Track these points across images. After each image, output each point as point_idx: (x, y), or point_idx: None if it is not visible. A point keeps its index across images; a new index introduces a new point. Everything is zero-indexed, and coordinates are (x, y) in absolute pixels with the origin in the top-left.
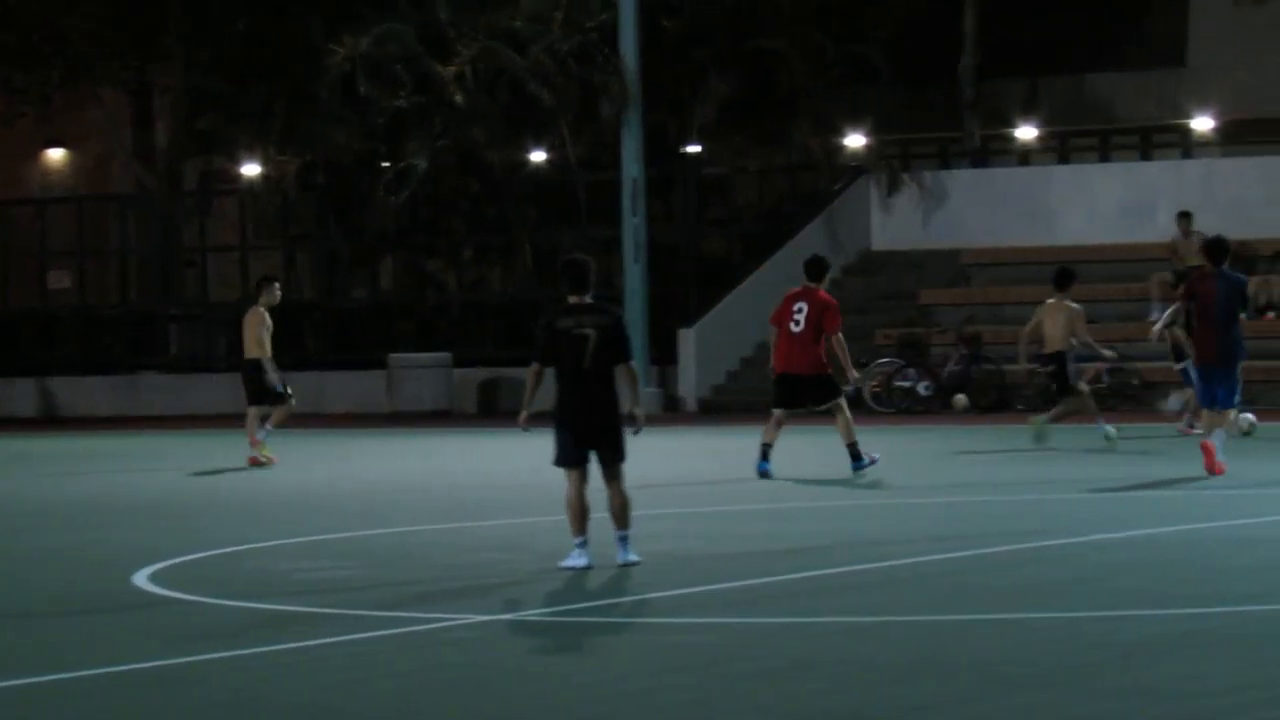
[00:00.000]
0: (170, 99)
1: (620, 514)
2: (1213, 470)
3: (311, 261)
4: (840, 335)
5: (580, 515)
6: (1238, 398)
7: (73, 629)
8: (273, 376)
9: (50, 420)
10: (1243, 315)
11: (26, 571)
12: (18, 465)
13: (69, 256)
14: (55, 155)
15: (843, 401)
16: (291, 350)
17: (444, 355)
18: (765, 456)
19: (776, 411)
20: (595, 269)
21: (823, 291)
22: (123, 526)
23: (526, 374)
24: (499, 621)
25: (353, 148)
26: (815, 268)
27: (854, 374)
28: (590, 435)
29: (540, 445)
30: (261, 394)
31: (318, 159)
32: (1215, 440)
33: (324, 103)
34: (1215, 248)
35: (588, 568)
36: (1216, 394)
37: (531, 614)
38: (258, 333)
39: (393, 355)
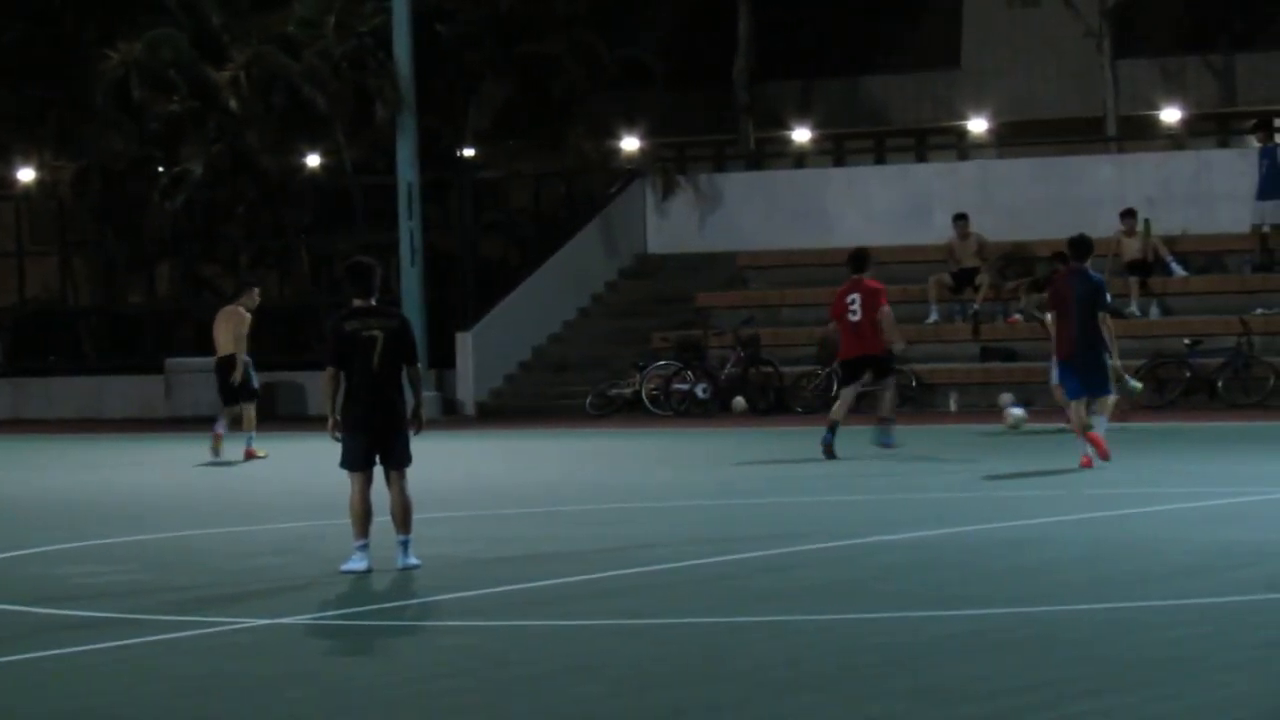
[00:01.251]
0: None
1: (403, 518)
2: (1105, 456)
3: (88, 267)
4: (887, 308)
5: (364, 518)
6: (1111, 385)
7: None
8: (247, 375)
9: None
10: (1102, 312)
11: None
12: None
13: None
14: None
15: (894, 380)
16: (69, 355)
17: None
18: (833, 431)
19: (847, 391)
20: (380, 272)
21: (869, 279)
22: None
23: (323, 379)
24: (278, 625)
25: (128, 153)
26: (859, 260)
27: (900, 343)
28: (380, 438)
29: (317, 449)
30: (234, 393)
31: (93, 164)
32: (1099, 427)
33: (99, 108)
34: (1078, 246)
35: (368, 570)
36: (1090, 383)
37: (311, 618)
38: (238, 331)
39: (170, 360)
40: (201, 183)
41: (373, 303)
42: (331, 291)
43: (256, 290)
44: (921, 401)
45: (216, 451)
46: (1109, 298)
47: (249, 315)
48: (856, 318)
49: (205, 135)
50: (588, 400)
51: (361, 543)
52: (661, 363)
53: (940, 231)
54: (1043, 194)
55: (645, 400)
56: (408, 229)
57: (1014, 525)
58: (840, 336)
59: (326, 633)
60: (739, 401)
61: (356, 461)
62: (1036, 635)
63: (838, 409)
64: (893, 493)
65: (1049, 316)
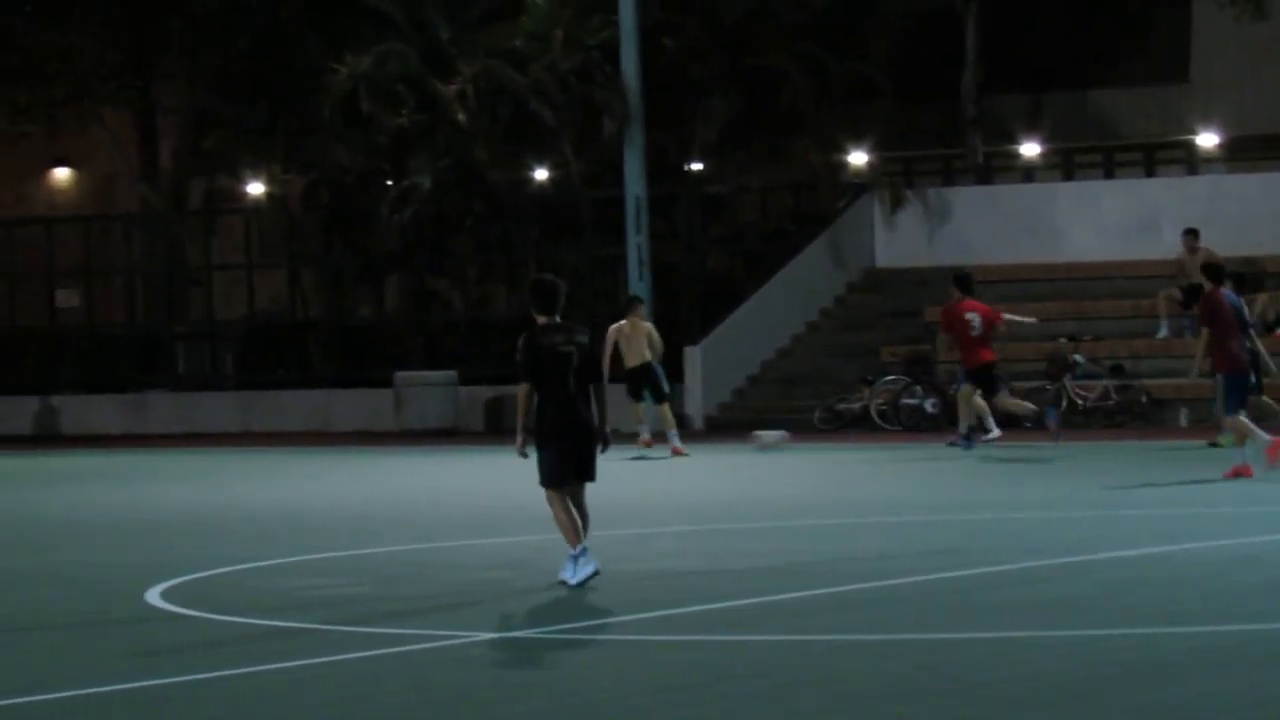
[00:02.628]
0: (175, 118)
1: (583, 528)
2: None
3: (317, 280)
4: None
5: (573, 526)
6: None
7: (83, 646)
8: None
9: (52, 438)
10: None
11: (37, 589)
12: (23, 483)
13: (76, 275)
14: (61, 174)
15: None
16: (298, 368)
17: (450, 374)
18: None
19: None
20: (565, 290)
21: (974, 301)
22: (133, 544)
23: (519, 394)
24: (499, 639)
25: (357, 167)
26: (967, 283)
27: None
28: (576, 454)
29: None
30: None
31: (322, 177)
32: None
33: (327, 122)
34: (1218, 270)
35: (596, 573)
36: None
37: (530, 632)
38: (652, 339)
39: (399, 373)
40: (430, 196)
41: (557, 320)
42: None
43: (642, 306)
44: (1152, 417)
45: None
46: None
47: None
48: (977, 331)
49: (433, 149)
50: (815, 415)
51: (579, 549)
52: (890, 377)
53: (1169, 246)
54: (1273, 209)
55: (874, 415)
56: (635, 243)
57: (1242, 542)
58: (961, 348)
59: (544, 646)
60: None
61: (555, 478)
62: (1270, 653)
63: (975, 415)
64: (1116, 508)
65: (1204, 332)
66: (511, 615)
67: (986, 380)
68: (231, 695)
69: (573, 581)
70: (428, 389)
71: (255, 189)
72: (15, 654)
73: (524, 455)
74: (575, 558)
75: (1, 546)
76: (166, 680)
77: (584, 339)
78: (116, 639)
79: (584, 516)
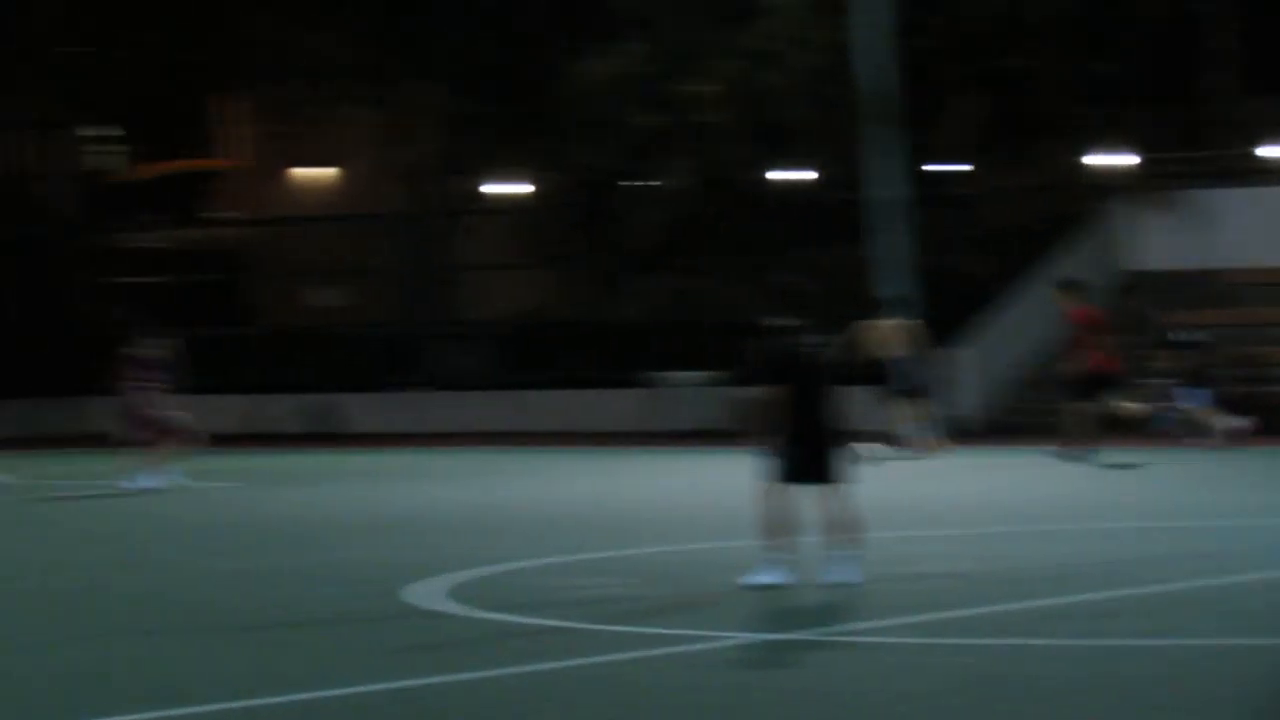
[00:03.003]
0: (430, 118)
1: (845, 529)
2: None
3: (573, 280)
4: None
5: (784, 530)
6: None
7: (350, 644)
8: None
9: (320, 437)
10: None
11: (306, 586)
12: (290, 481)
13: (337, 275)
14: (320, 174)
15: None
16: (557, 368)
17: (706, 374)
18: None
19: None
20: (810, 292)
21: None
22: (399, 542)
23: (761, 396)
24: (771, 640)
25: (609, 168)
26: (1078, 287)
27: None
28: (815, 456)
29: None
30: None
31: (577, 178)
32: None
33: (579, 122)
34: None
35: (782, 585)
36: None
37: (803, 634)
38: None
39: (656, 374)
40: (680, 197)
41: (801, 323)
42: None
43: (893, 307)
44: None
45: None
46: None
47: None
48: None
49: (682, 150)
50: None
51: (774, 556)
52: (1160, 381)
53: None
54: None
55: (1147, 418)
56: (884, 245)
57: None
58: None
59: (816, 648)
60: (1226, 420)
61: (784, 475)
62: None
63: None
64: None
65: None
66: (775, 617)
67: (1097, 387)
68: (498, 695)
69: (751, 581)
70: (685, 390)
71: (511, 190)
72: (283, 651)
73: (769, 454)
74: (770, 563)
75: (272, 544)
76: (429, 679)
77: (826, 342)
78: (382, 637)
79: (849, 519)
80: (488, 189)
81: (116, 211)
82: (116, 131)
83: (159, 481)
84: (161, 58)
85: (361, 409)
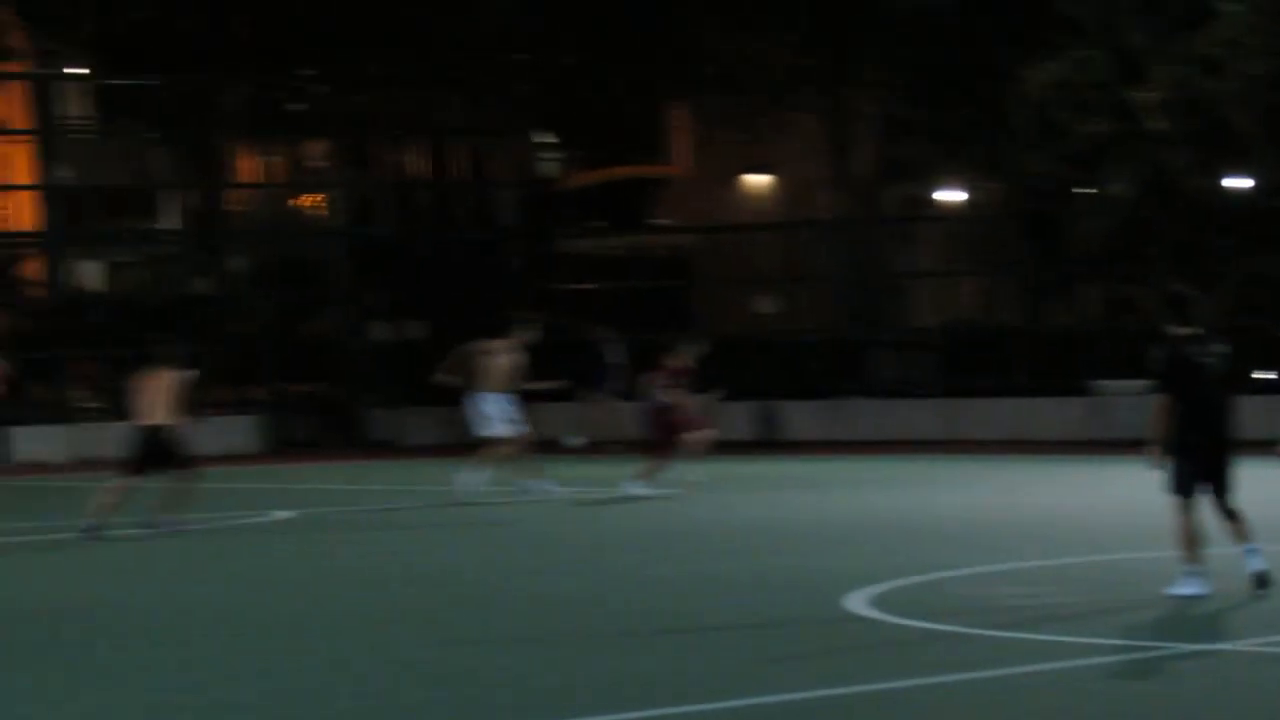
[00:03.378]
0: (869, 125)
1: (1244, 528)
2: None
3: (1013, 288)
4: None
5: (1195, 543)
6: None
7: (777, 650)
8: None
9: (763, 444)
10: None
11: (735, 592)
12: (732, 488)
13: (774, 282)
14: (758, 181)
15: None
16: (998, 375)
17: (1142, 383)
18: None
19: None
20: (1199, 301)
21: None
22: (833, 549)
23: (1155, 405)
24: (1209, 651)
25: (1051, 174)
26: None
27: None
28: (1209, 464)
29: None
30: None
31: (1017, 185)
32: None
33: (1021, 129)
34: None
35: (1202, 595)
36: None
37: (1226, 645)
38: None
39: (1096, 382)
40: (1125, 204)
41: (1199, 331)
42: (1257, 316)
43: None
44: None
45: None
46: None
47: None
48: None
49: (1128, 157)
50: None
51: (1192, 568)
52: None
53: None
54: None
55: None
56: None
57: None
58: None
59: (1242, 660)
60: None
61: (1185, 487)
62: None
63: None
64: None
65: None
66: (1206, 627)
67: None
68: (931, 702)
69: (1174, 592)
70: (1125, 398)
71: (951, 196)
72: (712, 655)
73: (1160, 468)
74: (1189, 575)
75: (704, 550)
76: (860, 688)
77: (1224, 349)
78: (812, 643)
79: (1237, 522)
80: (927, 196)
81: (561, 218)
82: (562, 138)
83: (651, 489)
84: (610, 66)
85: (800, 416)
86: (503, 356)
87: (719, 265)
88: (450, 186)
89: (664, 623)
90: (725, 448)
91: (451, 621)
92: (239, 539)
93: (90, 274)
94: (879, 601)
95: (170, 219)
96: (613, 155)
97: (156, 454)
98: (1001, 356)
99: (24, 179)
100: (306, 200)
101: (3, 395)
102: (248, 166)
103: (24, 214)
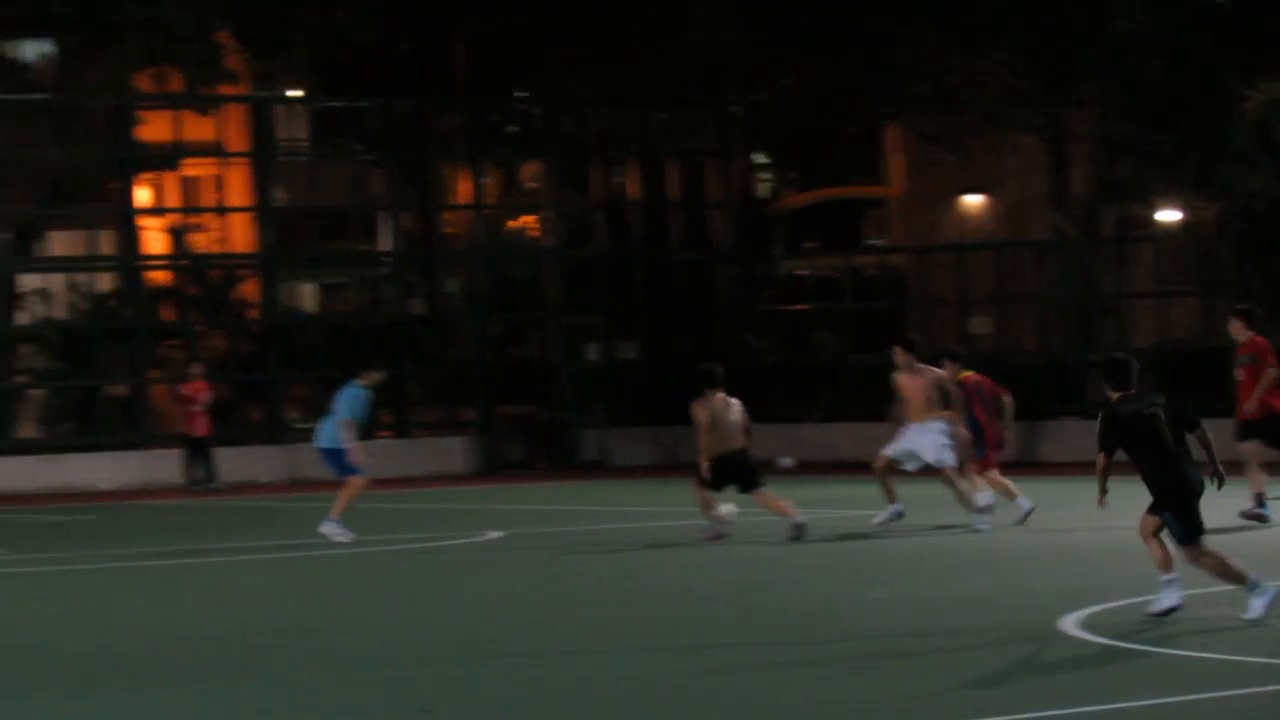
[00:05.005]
0: (1086, 145)
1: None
2: None
3: (1228, 308)
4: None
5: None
6: None
7: (991, 672)
8: None
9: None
10: None
11: (949, 614)
12: (945, 506)
13: (988, 302)
14: (973, 201)
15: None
16: (1216, 397)
17: None
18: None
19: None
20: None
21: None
22: (1042, 570)
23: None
24: None
25: (1270, 194)
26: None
27: None
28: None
29: None
30: None
31: (1235, 205)
32: None
33: (1240, 148)
34: None
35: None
36: None
37: None
38: None
39: None
40: None
41: (1133, 392)
42: None
43: None
44: None
45: None
46: None
47: None
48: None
49: None
50: None
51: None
52: None
53: None
54: None
55: None
56: None
57: None
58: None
59: None
60: None
61: (1192, 532)
62: None
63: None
64: None
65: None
66: None
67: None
68: None
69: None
70: None
71: (1167, 216)
72: (933, 676)
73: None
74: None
75: (917, 573)
76: (1080, 709)
77: (1162, 400)
78: (1029, 664)
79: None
80: (1144, 215)
81: (775, 238)
82: (776, 158)
83: None
84: (826, 85)
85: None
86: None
87: (932, 286)
88: (664, 207)
89: (885, 645)
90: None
91: (671, 642)
92: (453, 559)
93: (305, 296)
94: (1090, 623)
95: (385, 241)
96: (828, 175)
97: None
98: (1217, 377)
99: (241, 201)
100: (520, 221)
101: (199, 415)
102: (462, 188)
103: (240, 236)
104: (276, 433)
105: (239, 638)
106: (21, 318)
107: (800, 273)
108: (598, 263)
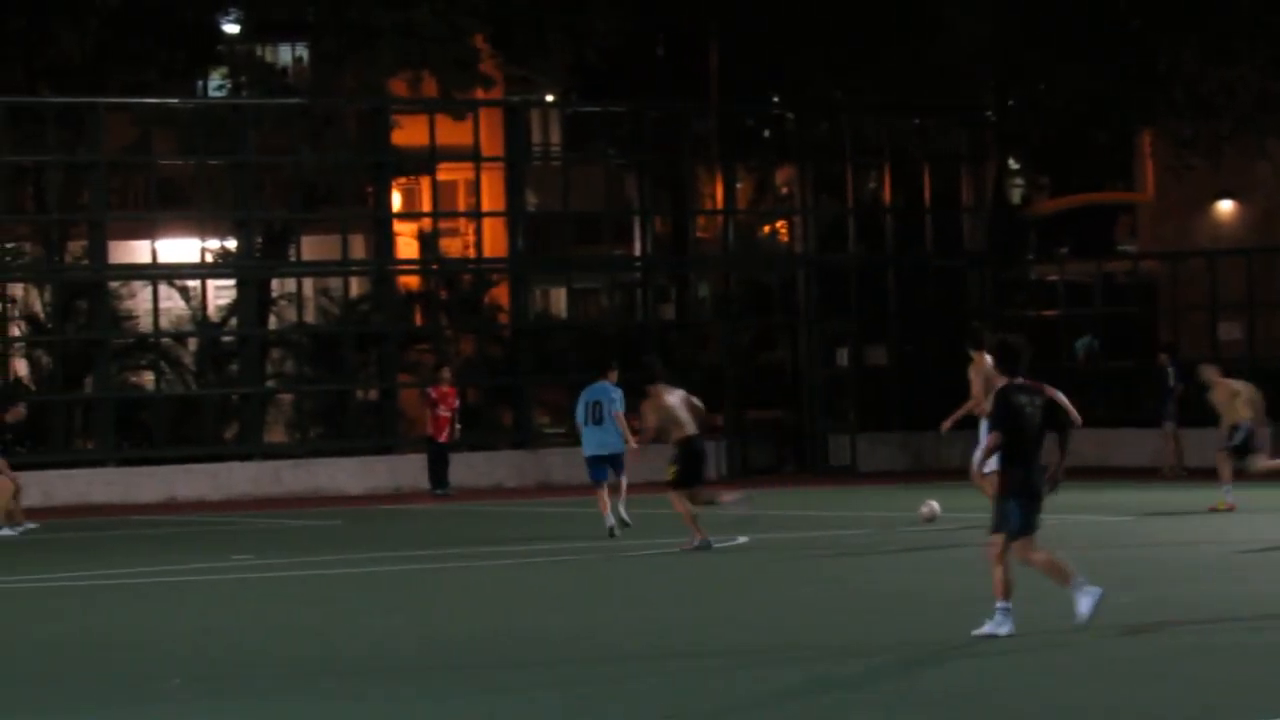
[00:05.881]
0: None
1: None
2: None
3: None
4: None
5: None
6: None
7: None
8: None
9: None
10: None
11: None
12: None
13: (1239, 308)
14: (1225, 207)
15: None
16: None
17: None
18: None
19: None
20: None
21: None
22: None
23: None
24: None
25: None
26: None
27: None
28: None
29: None
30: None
31: None
32: None
33: None
34: None
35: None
36: None
37: None
38: None
39: None
40: None
41: (1020, 380)
42: None
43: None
44: None
45: None
46: None
47: None
48: None
49: None
50: None
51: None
52: None
53: None
54: None
55: None
56: None
57: None
58: None
59: None
60: None
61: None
62: None
63: None
64: None
65: None
66: None
67: None
68: None
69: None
70: None
71: None
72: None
73: None
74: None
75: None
76: None
77: (1043, 399)
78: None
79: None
80: None
81: (1027, 244)
82: (1029, 164)
83: None
84: (1079, 91)
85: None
86: None
87: (1184, 291)
88: (917, 212)
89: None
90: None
91: (942, 643)
92: (702, 563)
93: (556, 300)
94: None
95: (636, 245)
96: (1080, 181)
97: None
98: None
99: (493, 206)
100: (772, 227)
101: (444, 420)
102: (715, 193)
103: (494, 240)
104: (525, 438)
105: (500, 639)
106: (273, 322)
107: (1051, 278)
108: (849, 268)
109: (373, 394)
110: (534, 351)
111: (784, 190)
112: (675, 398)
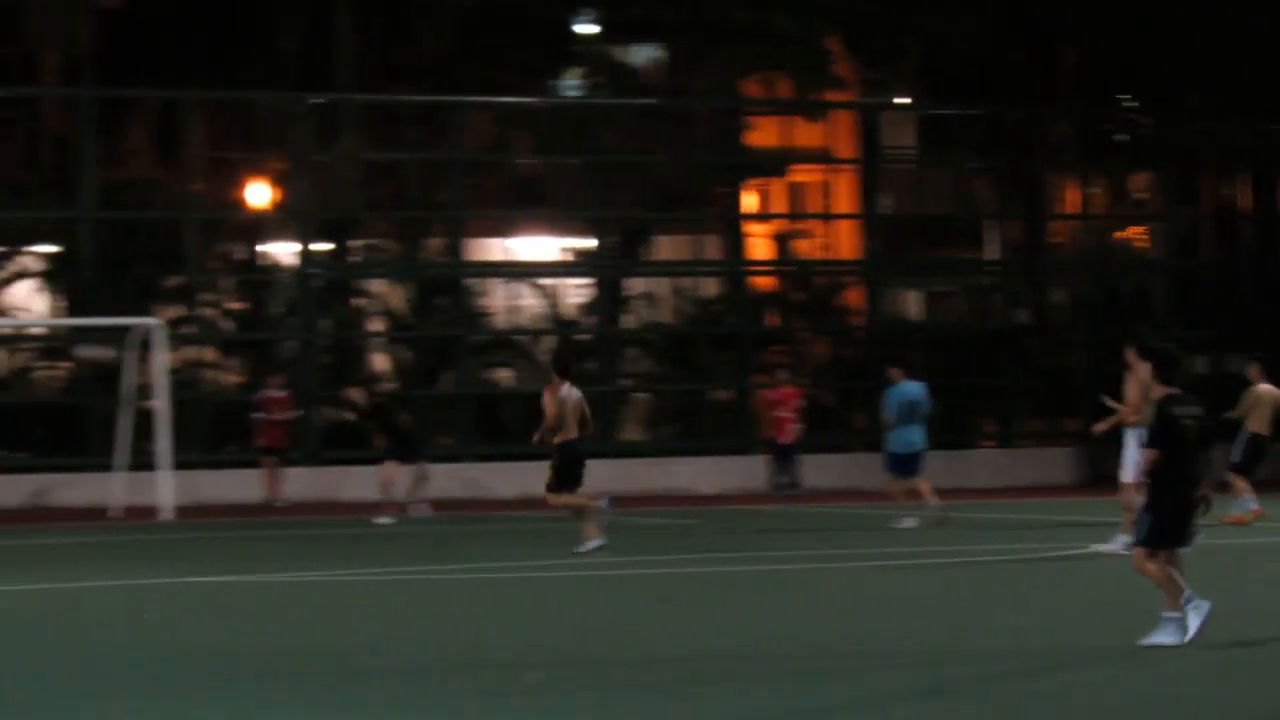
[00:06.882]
0: None
1: None
2: None
3: None
4: None
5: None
6: None
7: None
8: None
9: None
10: None
11: None
12: None
13: None
14: None
15: None
16: None
17: None
18: None
19: None
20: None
21: None
22: None
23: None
24: None
25: None
26: None
27: None
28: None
29: None
30: None
31: None
32: None
33: None
34: None
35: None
36: None
37: None
38: None
39: None
40: None
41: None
42: None
43: None
44: None
45: None
46: None
47: None
48: None
49: None
50: None
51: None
52: None
53: None
54: None
55: None
56: None
57: None
58: None
59: None
60: None
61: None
62: None
63: None
64: None
65: None
66: None
67: None
68: None
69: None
70: None
71: None
72: None
73: None
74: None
75: None
76: None
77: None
78: None
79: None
80: None
81: None
82: None
83: None
84: None
85: None
86: None
87: None
88: (1275, 219)
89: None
90: None
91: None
92: (1045, 570)
93: (910, 303)
94: None
95: (990, 249)
96: None
97: None
98: None
99: (846, 208)
100: (1127, 232)
101: (787, 421)
102: (1070, 197)
103: (846, 242)
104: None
105: (833, 642)
106: (627, 321)
107: None
108: (1206, 275)
109: (727, 394)
110: (888, 354)
111: (1139, 196)
112: (574, 398)
